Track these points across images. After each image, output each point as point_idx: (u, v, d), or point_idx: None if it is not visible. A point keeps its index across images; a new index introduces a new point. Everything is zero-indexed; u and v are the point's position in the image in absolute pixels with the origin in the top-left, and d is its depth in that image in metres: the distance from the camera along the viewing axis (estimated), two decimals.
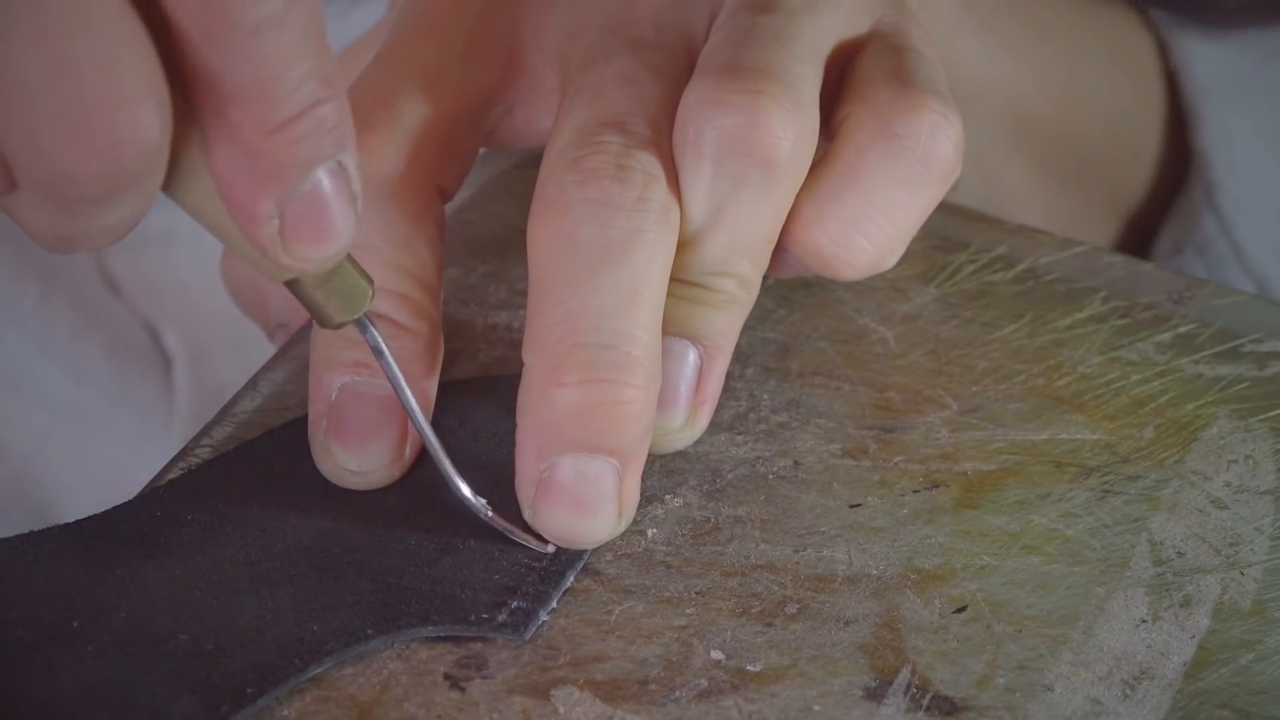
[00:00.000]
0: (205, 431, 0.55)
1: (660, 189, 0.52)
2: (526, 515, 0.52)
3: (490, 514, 0.52)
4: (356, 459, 0.53)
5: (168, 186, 0.46)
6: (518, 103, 0.58)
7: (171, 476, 0.54)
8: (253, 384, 0.56)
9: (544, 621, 0.50)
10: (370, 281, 0.49)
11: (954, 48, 0.69)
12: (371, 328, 0.50)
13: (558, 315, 0.51)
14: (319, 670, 0.49)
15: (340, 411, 0.53)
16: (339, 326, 0.49)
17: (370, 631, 0.49)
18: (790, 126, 0.53)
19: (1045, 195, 0.76)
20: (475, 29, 0.57)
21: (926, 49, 0.56)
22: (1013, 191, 0.75)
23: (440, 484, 0.52)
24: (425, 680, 0.49)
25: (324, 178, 0.45)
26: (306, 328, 0.57)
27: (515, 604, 0.50)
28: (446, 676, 0.49)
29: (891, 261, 0.55)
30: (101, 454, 0.82)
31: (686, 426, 0.54)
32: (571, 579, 0.51)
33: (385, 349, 0.51)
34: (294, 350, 0.57)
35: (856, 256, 0.55)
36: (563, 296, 0.51)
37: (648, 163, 0.52)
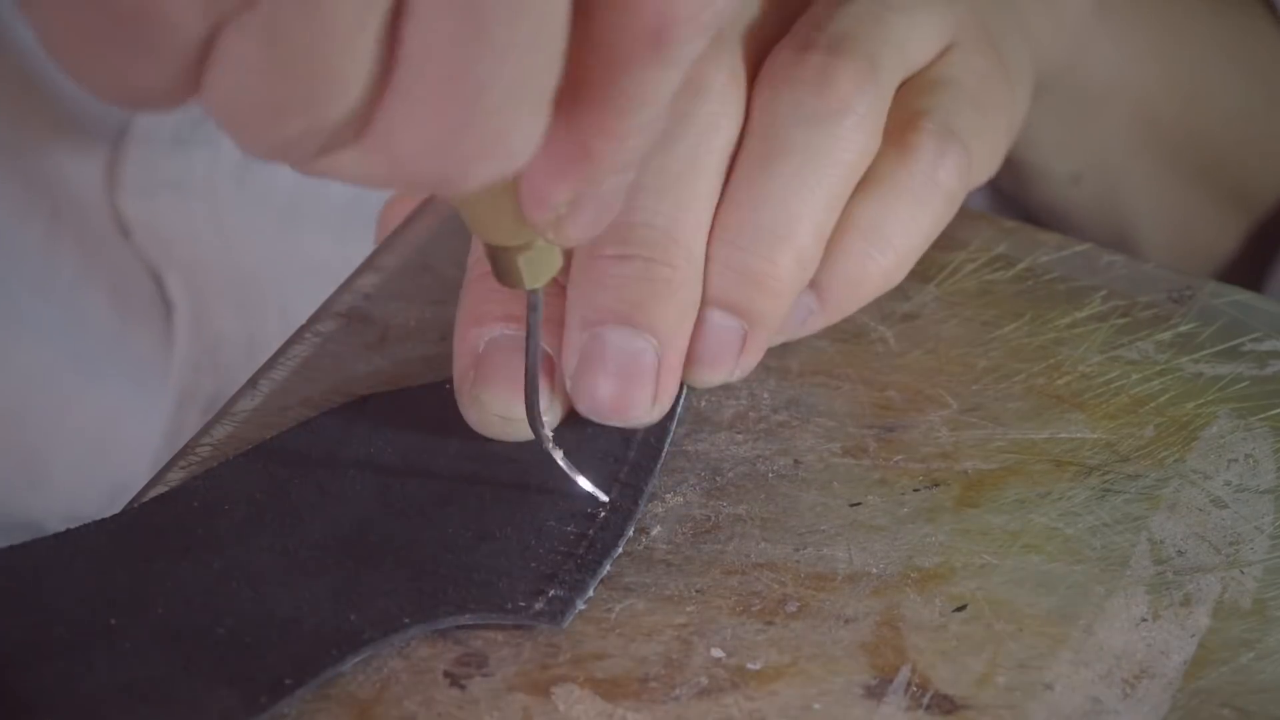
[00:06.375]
0: (205, 430, 0.55)
1: (738, 90, 0.54)
2: (568, 386, 0.53)
3: (607, 498, 0.53)
4: (505, 406, 0.53)
5: None
6: None
7: (172, 475, 0.54)
8: (253, 383, 0.56)
9: (580, 610, 0.50)
10: (562, 255, 0.50)
11: (1085, 51, 0.70)
12: (540, 299, 0.50)
13: None
14: (357, 660, 0.49)
15: (488, 361, 0.53)
16: (516, 288, 0.49)
17: (407, 620, 0.49)
18: (866, 93, 0.54)
19: (1169, 191, 0.77)
20: None
21: (973, 86, 0.57)
22: (1136, 188, 0.76)
23: (478, 469, 0.53)
24: (425, 678, 0.49)
25: (617, 184, 0.45)
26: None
27: (553, 593, 0.50)
28: (446, 674, 0.49)
29: (897, 279, 0.56)
30: (94, 402, 0.81)
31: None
32: (608, 567, 0.52)
33: (538, 318, 0.51)
34: (293, 350, 0.57)
35: (881, 260, 0.55)
36: None
37: (733, 65, 0.54)
